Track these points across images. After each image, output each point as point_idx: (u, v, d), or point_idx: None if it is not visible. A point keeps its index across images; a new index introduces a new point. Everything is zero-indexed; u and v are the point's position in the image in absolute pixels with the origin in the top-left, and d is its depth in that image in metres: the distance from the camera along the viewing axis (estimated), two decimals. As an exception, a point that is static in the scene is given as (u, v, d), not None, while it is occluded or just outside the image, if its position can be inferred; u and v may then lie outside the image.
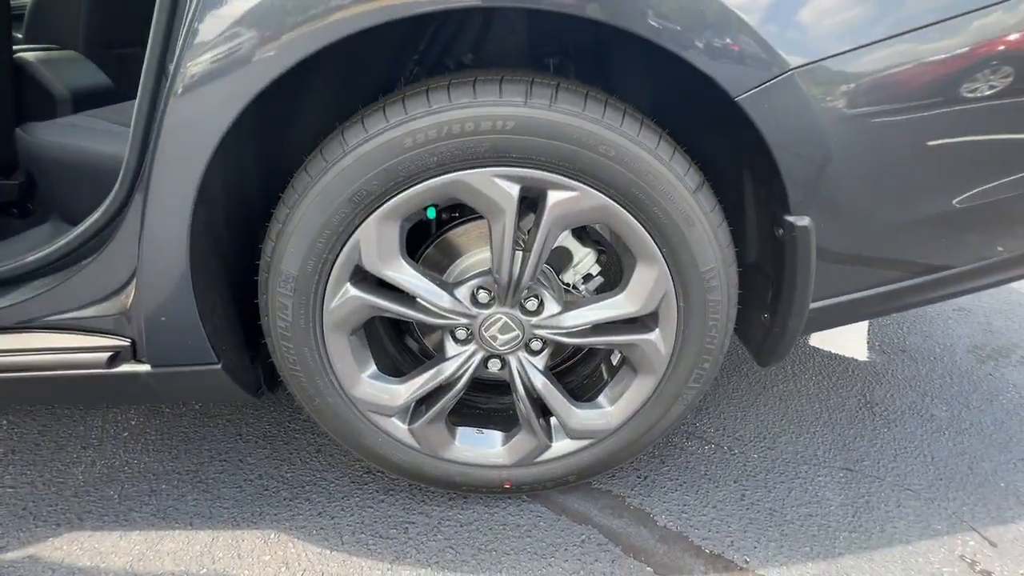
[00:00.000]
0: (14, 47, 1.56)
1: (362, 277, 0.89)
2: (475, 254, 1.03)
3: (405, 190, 0.81)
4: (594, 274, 1.02)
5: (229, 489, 1.17)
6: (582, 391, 1.14)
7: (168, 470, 1.22)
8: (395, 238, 0.85)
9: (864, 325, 1.72)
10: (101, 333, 0.96)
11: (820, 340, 1.66)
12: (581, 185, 0.81)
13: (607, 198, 0.82)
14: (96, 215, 0.93)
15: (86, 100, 1.70)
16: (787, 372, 1.52)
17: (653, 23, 0.72)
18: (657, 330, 0.94)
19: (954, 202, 0.91)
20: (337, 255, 0.85)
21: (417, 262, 1.04)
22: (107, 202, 0.91)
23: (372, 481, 1.19)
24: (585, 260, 1.01)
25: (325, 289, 0.87)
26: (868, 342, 1.65)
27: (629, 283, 0.91)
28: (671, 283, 0.89)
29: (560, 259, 1.02)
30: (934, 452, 1.26)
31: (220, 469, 1.22)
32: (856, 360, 1.57)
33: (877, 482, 1.18)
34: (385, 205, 0.81)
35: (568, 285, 1.03)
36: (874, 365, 1.55)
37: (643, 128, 0.81)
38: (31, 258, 0.99)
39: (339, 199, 0.80)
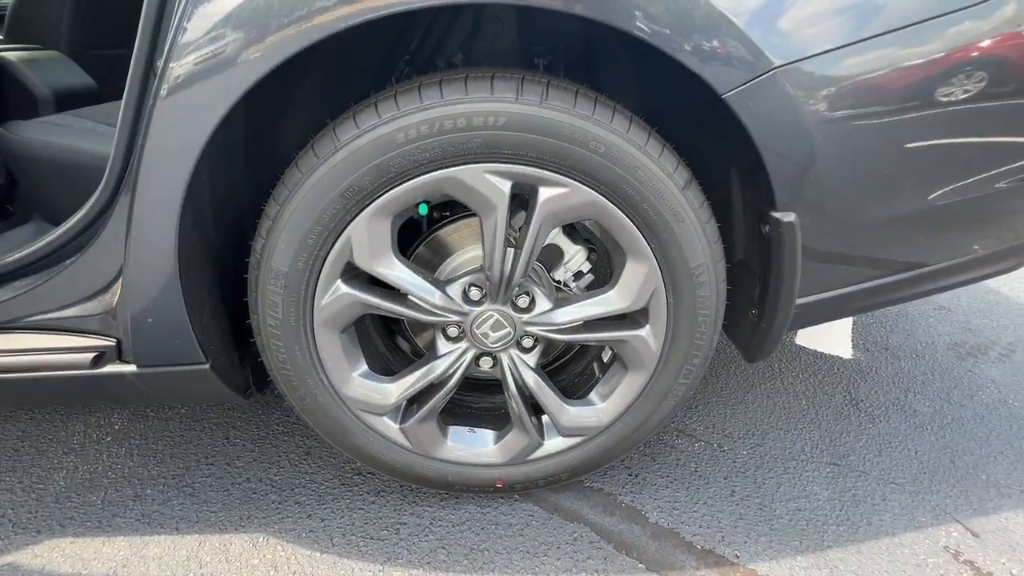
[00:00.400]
0: None
1: (353, 274, 0.89)
2: (466, 252, 1.03)
3: (397, 186, 0.81)
4: (584, 271, 1.03)
5: (216, 493, 1.15)
6: (574, 389, 1.15)
7: (153, 474, 1.20)
8: (387, 234, 0.85)
9: (848, 324, 1.75)
10: (86, 333, 0.94)
11: (806, 338, 1.68)
12: (572, 181, 0.82)
13: (597, 194, 0.83)
14: (80, 213, 0.92)
15: (69, 101, 1.68)
16: (774, 370, 1.54)
17: (640, 21, 0.73)
18: (647, 326, 0.95)
19: (929, 199, 0.94)
20: (328, 252, 0.84)
21: (409, 260, 1.04)
22: (92, 200, 0.90)
23: (362, 483, 1.18)
24: (576, 257, 1.02)
25: (316, 286, 0.87)
26: (852, 340, 1.68)
27: (619, 279, 0.92)
28: (660, 279, 0.90)
29: (551, 257, 1.03)
30: (917, 447, 1.28)
31: (207, 473, 1.20)
32: (841, 358, 1.60)
33: (863, 476, 1.20)
34: (377, 201, 0.82)
35: (559, 282, 1.04)
36: (858, 363, 1.58)
37: (632, 125, 0.82)
38: (11, 257, 0.97)
39: (330, 195, 0.80)
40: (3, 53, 1.60)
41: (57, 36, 1.85)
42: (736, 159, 0.96)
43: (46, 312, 0.94)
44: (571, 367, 1.20)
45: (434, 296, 0.91)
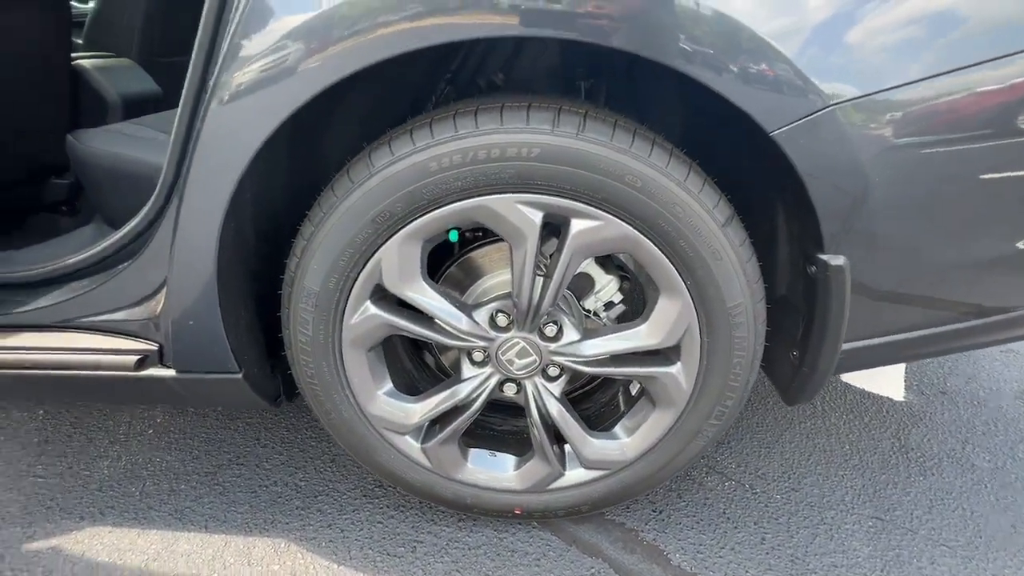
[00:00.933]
0: (73, 54, 1.65)
1: (382, 295, 0.90)
2: (496, 275, 1.02)
3: (428, 213, 0.81)
4: (616, 302, 1.00)
5: (244, 494, 1.19)
6: (599, 419, 1.12)
7: (188, 470, 1.25)
8: (416, 259, 0.85)
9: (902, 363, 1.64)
10: (132, 336, 0.99)
11: (853, 376, 1.58)
12: (605, 215, 0.80)
13: (632, 228, 0.80)
14: (134, 222, 0.97)
15: (136, 106, 1.79)
16: (815, 408, 1.46)
17: (684, 55, 0.70)
18: (678, 363, 0.92)
19: (1008, 242, 0.86)
20: (359, 273, 0.85)
21: (439, 280, 1.05)
22: (145, 209, 0.94)
23: (383, 495, 1.19)
24: (607, 287, 0.99)
25: (345, 306, 0.88)
26: (906, 381, 1.57)
27: (651, 315, 0.89)
28: (695, 317, 0.87)
29: (582, 285, 1.00)
30: (974, 506, 1.18)
31: (237, 473, 1.24)
32: (891, 400, 1.49)
33: (909, 535, 1.12)
34: (408, 227, 0.82)
35: (589, 312, 1.01)
36: (911, 406, 1.47)
37: (672, 159, 0.79)
38: (71, 260, 1.03)
39: (363, 219, 0.81)
40: (80, 61, 1.71)
41: (129, 43, 1.98)
42: (782, 192, 0.91)
43: (98, 314, 0.99)
44: (597, 396, 1.17)
45: (461, 322, 0.90)
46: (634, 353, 0.93)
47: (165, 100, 1.89)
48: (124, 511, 1.15)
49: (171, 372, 0.98)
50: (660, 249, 0.82)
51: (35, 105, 1.57)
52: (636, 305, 1.04)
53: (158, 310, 0.95)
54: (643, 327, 0.90)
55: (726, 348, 0.89)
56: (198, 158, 0.84)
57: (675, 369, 0.92)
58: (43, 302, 1.01)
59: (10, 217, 1.58)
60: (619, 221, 0.80)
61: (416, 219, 0.81)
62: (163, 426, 1.38)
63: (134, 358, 0.97)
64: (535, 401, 0.98)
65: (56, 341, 1.00)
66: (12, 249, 1.20)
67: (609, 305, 1.00)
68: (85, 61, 1.73)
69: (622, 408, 1.07)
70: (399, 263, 0.84)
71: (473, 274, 1.04)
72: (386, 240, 0.83)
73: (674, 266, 0.83)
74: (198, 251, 0.88)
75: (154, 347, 0.98)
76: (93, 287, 0.99)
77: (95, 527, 1.12)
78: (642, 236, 0.81)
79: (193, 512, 1.15)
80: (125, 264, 0.99)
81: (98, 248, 1.00)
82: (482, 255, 1.03)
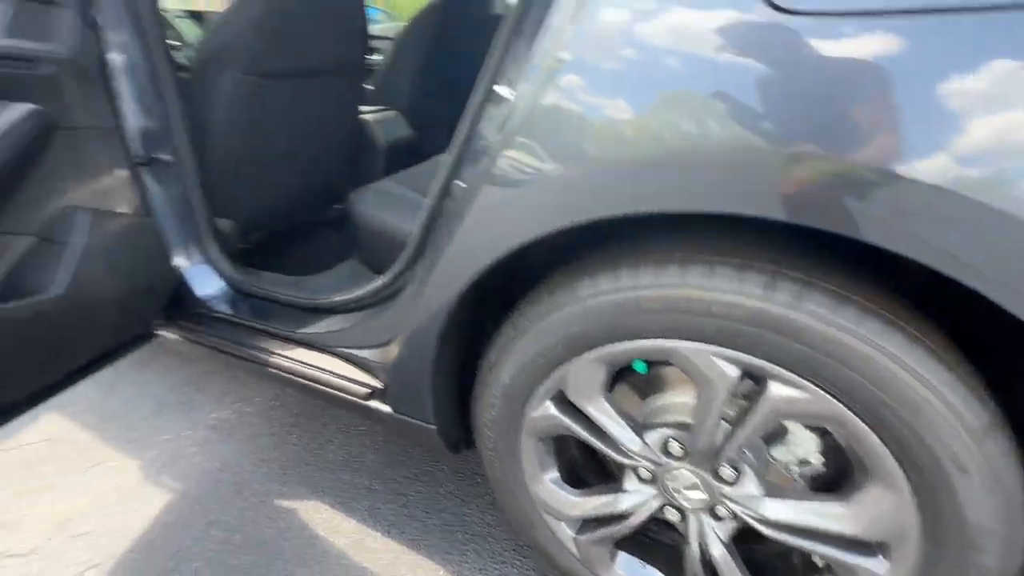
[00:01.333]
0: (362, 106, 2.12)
1: (563, 399, 0.96)
2: (680, 394, 1.00)
3: (620, 342, 0.84)
4: (813, 461, 0.89)
5: (420, 512, 1.39)
6: (769, 570, 1.01)
7: (384, 475, 1.51)
8: (601, 379, 0.89)
9: None
10: (368, 372, 1.24)
11: None
12: (813, 387, 0.72)
13: (846, 409, 0.71)
14: (384, 278, 1.21)
15: (397, 148, 2.23)
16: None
17: (936, 252, 0.59)
18: (883, 559, 0.78)
19: None
20: (545, 378, 0.93)
21: (622, 381, 1.06)
22: (394, 270, 1.17)
23: (531, 556, 1.26)
24: (804, 444, 0.89)
25: (529, 400, 0.96)
26: None
27: (854, 497, 0.77)
28: (915, 521, 0.72)
29: (774, 431, 0.92)
30: None
31: (418, 490, 1.46)
32: None
33: None
34: (598, 350, 0.86)
35: (778, 461, 0.92)
36: None
37: (913, 345, 0.67)
38: (336, 298, 1.33)
39: (559, 335, 0.88)
40: (364, 115, 2.19)
41: (403, 94, 2.45)
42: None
43: (350, 347, 1.26)
44: (772, 544, 1.06)
45: (633, 443, 0.91)
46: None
47: (421, 143, 2.31)
48: (337, 494, 1.45)
49: (388, 409, 1.21)
50: (881, 439, 0.70)
51: (334, 150, 2.05)
52: (838, 468, 0.90)
53: (390, 357, 1.18)
54: (842, 508, 0.78)
55: (958, 566, 0.72)
56: (461, 232, 0.89)
57: (878, 566, 0.78)
58: (317, 328, 1.33)
59: (303, 232, 2.10)
60: (830, 398, 0.71)
61: (607, 345, 0.85)
62: (372, 426, 1.68)
63: (366, 390, 1.22)
64: (696, 536, 0.94)
65: (319, 361, 1.31)
66: (300, 275, 1.59)
67: (804, 462, 0.90)
68: (367, 115, 2.21)
69: (801, 573, 0.95)
70: (584, 379, 0.89)
71: (656, 385, 1.03)
72: (576, 356, 0.88)
73: (898, 463, 0.70)
74: (429, 319, 1.06)
75: (381, 386, 1.21)
76: (352, 324, 1.27)
77: (318, 501, 1.43)
78: (858, 420, 0.71)
79: (381, 514, 1.39)
80: (375, 311, 1.25)
81: (355, 294, 1.28)
82: (669, 372, 1.01)
